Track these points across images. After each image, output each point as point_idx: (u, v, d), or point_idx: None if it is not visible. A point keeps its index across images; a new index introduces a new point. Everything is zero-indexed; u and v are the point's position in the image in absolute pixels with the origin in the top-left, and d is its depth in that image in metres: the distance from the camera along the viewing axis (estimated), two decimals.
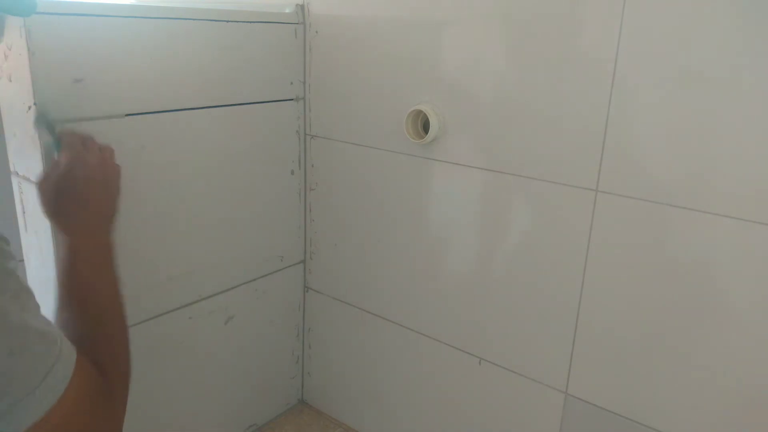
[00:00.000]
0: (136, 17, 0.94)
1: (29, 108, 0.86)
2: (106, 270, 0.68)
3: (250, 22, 1.12)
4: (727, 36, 0.78)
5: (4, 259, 0.45)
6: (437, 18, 1.03)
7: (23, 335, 0.45)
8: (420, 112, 1.06)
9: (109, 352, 0.61)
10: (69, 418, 0.48)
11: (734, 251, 0.82)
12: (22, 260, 1.02)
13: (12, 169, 0.97)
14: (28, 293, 0.47)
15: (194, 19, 1.03)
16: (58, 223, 0.70)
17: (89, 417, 0.51)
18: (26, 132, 0.88)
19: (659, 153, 0.86)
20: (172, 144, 1.04)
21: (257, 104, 1.18)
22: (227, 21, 1.08)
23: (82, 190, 0.71)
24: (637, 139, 0.87)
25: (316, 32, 1.20)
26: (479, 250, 1.08)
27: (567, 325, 1.00)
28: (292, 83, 1.23)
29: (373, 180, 1.20)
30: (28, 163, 0.91)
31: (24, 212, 0.97)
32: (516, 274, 1.04)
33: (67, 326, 0.61)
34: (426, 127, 1.08)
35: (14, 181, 0.97)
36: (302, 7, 1.20)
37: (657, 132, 0.85)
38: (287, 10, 1.20)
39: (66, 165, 0.72)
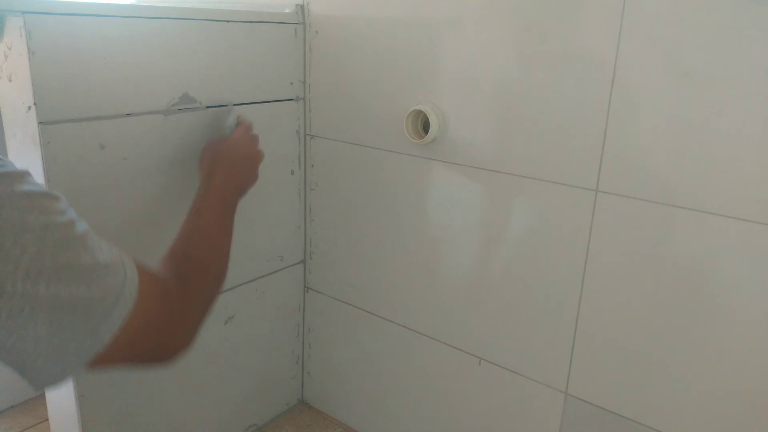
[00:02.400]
0: (136, 17, 0.95)
1: (29, 108, 0.86)
2: (225, 218, 0.88)
3: (250, 22, 1.12)
4: (728, 35, 0.78)
5: (63, 213, 0.54)
6: (437, 18, 1.03)
7: (95, 271, 0.54)
8: (420, 112, 1.06)
9: (201, 270, 0.75)
10: (142, 327, 0.58)
11: (734, 251, 0.82)
12: None
13: None
14: (88, 233, 0.55)
15: (194, 19, 1.03)
16: (207, 174, 0.92)
17: (160, 322, 0.62)
18: (26, 132, 0.88)
19: (659, 153, 0.86)
20: (172, 144, 1.04)
21: (257, 104, 1.18)
22: (227, 21, 1.08)
23: (238, 160, 0.97)
24: (637, 139, 0.87)
25: (316, 32, 1.20)
26: (479, 250, 1.08)
27: (567, 325, 1.00)
28: (292, 83, 1.23)
29: (373, 180, 1.20)
30: (28, 163, 0.91)
31: None
32: (516, 274, 1.04)
33: (174, 247, 0.77)
34: (426, 127, 1.08)
35: None
36: (302, 7, 1.20)
37: (657, 132, 0.85)
38: (287, 10, 1.20)
39: (236, 139, 1.01)
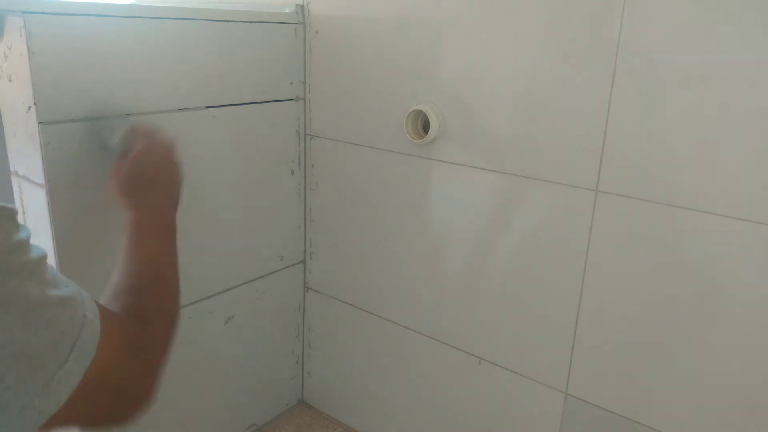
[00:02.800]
0: (136, 17, 0.95)
1: (29, 108, 0.86)
2: (168, 243, 0.76)
3: (250, 22, 1.12)
4: (728, 36, 0.78)
5: (9, 233, 0.44)
6: (437, 18, 1.03)
7: (46, 310, 0.45)
8: (420, 112, 1.06)
9: (157, 307, 0.65)
10: (103, 376, 0.49)
11: (734, 251, 0.82)
12: None
13: (12, 169, 0.97)
14: (41, 261, 0.46)
15: (194, 19, 1.03)
16: (128, 203, 0.79)
17: (123, 370, 0.53)
18: (26, 132, 0.88)
19: (659, 153, 0.86)
20: None
21: (257, 104, 1.18)
22: (227, 21, 1.08)
23: (151, 175, 0.82)
24: (637, 139, 0.87)
25: (316, 32, 1.20)
26: (479, 250, 1.08)
27: (567, 325, 1.00)
28: (292, 83, 1.23)
29: (373, 180, 1.20)
30: (28, 163, 0.91)
31: (24, 212, 0.97)
32: (516, 274, 1.04)
33: (119, 286, 0.66)
34: (426, 127, 1.08)
35: (14, 181, 0.97)
36: (302, 7, 1.20)
37: (657, 132, 0.85)
38: (287, 10, 1.20)
39: (138, 152, 0.83)
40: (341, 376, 1.40)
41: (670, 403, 0.92)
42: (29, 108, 0.86)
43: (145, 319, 0.61)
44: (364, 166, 1.20)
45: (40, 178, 0.89)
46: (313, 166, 1.30)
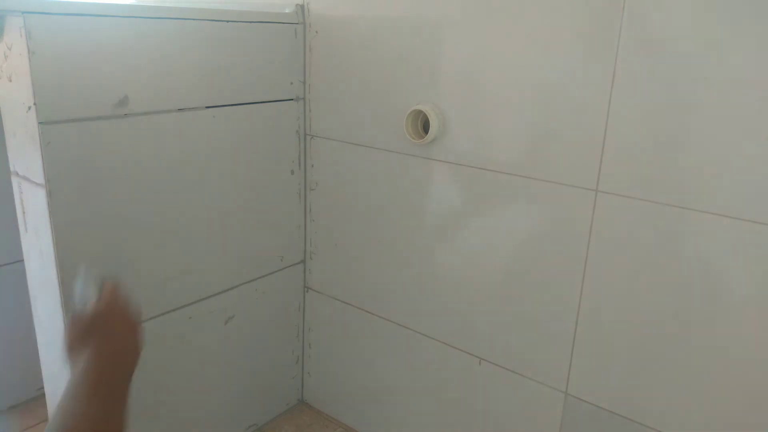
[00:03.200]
0: (136, 17, 0.95)
1: (29, 108, 0.86)
2: (106, 411, 0.67)
3: (250, 22, 1.12)
4: (728, 36, 0.78)
5: None
6: (437, 18, 1.03)
7: None
8: (420, 112, 1.06)
9: None
10: None
11: (734, 251, 0.82)
12: (22, 260, 1.02)
13: (12, 169, 0.97)
14: None
15: (194, 19, 1.03)
16: (76, 361, 0.70)
17: None
18: (26, 132, 0.88)
19: (659, 153, 0.86)
20: (171, 144, 1.04)
21: (257, 104, 1.18)
22: (227, 21, 1.08)
23: (109, 338, 0.72)
24: (637, 139, 0.87)
25: (316, 32, 1.20)
26: (479, 250, 1.08)
27: (567, 325, 1.00)
28: (292, 83, 1.23)
29: (373, 180, 1.20)
30: (28, 163, 0.91)
31: (24, 212, 0.97)
32: (516, 274, 1.04)
33: None
34: (426, 127, 1.08)
35: (14, 181, 0.97)
36: (302, 7, 1.20)
37: (657, 132, 0.85)
38: (287, 10, 1.20)
39: (98, 311, 0.73)
40: (341, 376, 1.40)
41: (669, 403, 0.92)
42: (29, 108, 0.86)
43: None
44: (364, 166, 1.20)
45: (40, 178, 0.89)
46: (313, 166, 1.30)
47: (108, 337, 0.72)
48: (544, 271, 1.01)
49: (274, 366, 1.40)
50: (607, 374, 0.97)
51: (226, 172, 1.15)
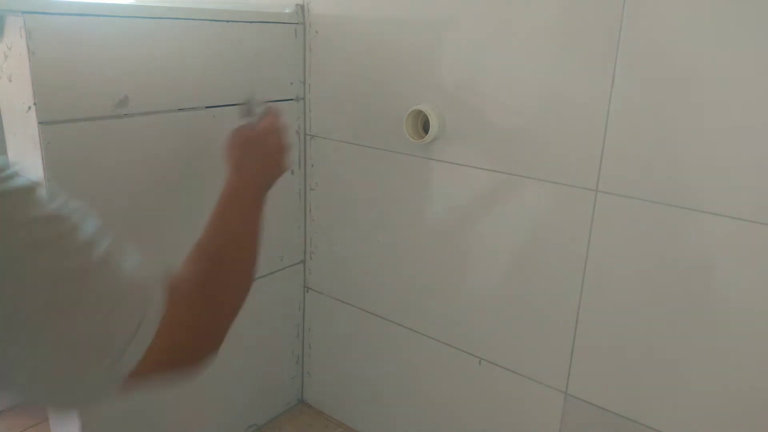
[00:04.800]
0: (136, 17, 0.95)
1: (29, 108, 0.86)
2: (253, 218, 0.80)
3: (250, 22, 1.12)
4: (728, 36, 0.78)
5: (71, 236, 0.48)
6: (437, 18, 1.03)
7: (117, 291, 0.50)
8: (420, 112, 1.06)
9: (230, 280, 0.70)
10: (166, 343, 0.54)
11: (734, 251, 0.82)
12: None
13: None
14: (107, 253, 0.51)
15: (194, 19, 1.03)
16: (234, 165, 0.86)
17: (187, 335, 0.58)
18: (26, 132, 0.88)
19: (659, 153, 0.86)
20: (171, 144, 1.04)
21: None
22: (227, 21, 1.08)
23: (265, 150, 0.90)
24: (636, 139, 0.87)
25: (316, 32, 1.20)
26: (479, 249, 1.08)
27: (567, 325, 1.00)
28: (292, 83, 1.23)
29: (373, 180, 1.20)
30: (28, 162, 0.91)
31: None
32: (516, 274, 1.04)
33: (200, 249, 0.70)
34: (426, 127, 1.08)
35: None
36: (302, 7, 1.20)
37: (657, 132, 0.85)
38: (287, 10, 1.20)
39: (264, 129, 0.91)
40: (341, 376, 1.40)
41: (670, 403, 0.92)
42: (29, 108, 0.86)
43: (215, 284, 0.66)
44: (364, 166, 1.20)
45: (40, 178, 0.89)
46: (313, 166, 1.30)
47: (263, 152, 0.89)
48: (544, 271, 1.01)
49: (274, 366, 1.40)
50: (607, 374, 0.97)
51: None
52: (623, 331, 0.94)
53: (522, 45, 0.95)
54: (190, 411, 1.22)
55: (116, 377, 0.50)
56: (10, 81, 0.88)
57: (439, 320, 1.17)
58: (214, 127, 1.10)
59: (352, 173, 1.23)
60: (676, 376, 0.91)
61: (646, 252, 0.90)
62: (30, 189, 0.46)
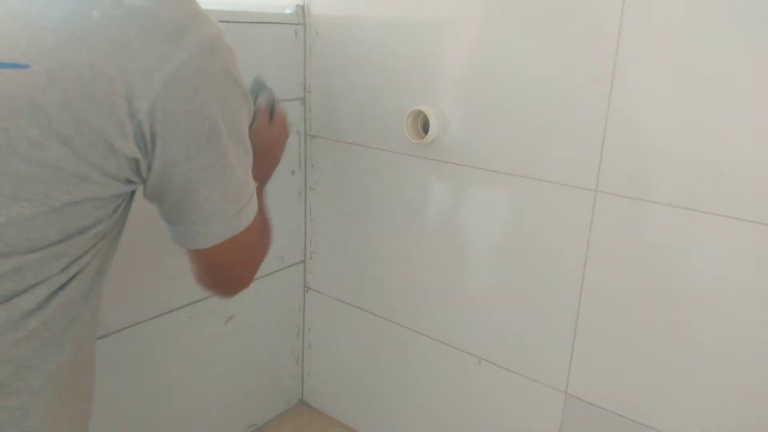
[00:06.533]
0: None
1: None
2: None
3: (251, 22, 1.12)
4: (728, 35, 0.78)
5: (248, 110, 0.66)
6: (437, 18, 1.03)
7: (250, 165, 0.67)
8: (420, 112, 1.06)
9: (266, 230, 0.88)
10: (246, 237, 0.67)
11: (735, 251, 0.83)
12: None
13: None
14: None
15: None
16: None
17: (251, 249, 0.73)
18: None
19: (659, 153, 0.86)
20: None
21: None
22: (227, 21, 1.08)
23: (267, 149, 0.99)
24: (637, 139, 0.87)
25: (317, 33, 1.20)
26: (479, 249, 1.08)
27: (567, 324, 1.00)
28: (292, 84, 1.23)
29: (373, 180, 1.20)
30: None
31: None
32: (516, 274, 1.04)
33: None
34: (426, 127, 1.08)
35: None
36: (302, 7, 1.20)
37: (657, 132, 0.85)
38: (287, 11, 1.20)
39: (275, 124, 1.01)
40: (341, 376, 1.40)
41: (670, 403, 0.92)
42: None
43: (269, 222, 0.86)
44: (364, 166, 1.20)
45: None
46: (313, 166, 1.30)
47: (271, 140, 1.01)
48: (543, 271, 1.01)
49: (274, 366, 1.40)
50: (607, 374, 0.98)
51: None
52: (623, 331, 0.94)
53: (522, 44, 0.95)
54: (190, 411, 1.22)
55: (228, 230, 0.64)
56: None
57: (439, 320, 1.17)
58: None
59: (352, 173, 1.23)
60: (676, 376, 0.91)
61: (646, 252, 0.90)
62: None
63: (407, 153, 1.13)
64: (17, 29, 0.52)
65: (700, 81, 0.81)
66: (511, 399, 1.11)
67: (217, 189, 0.62)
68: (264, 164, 0.98)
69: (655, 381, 0.93)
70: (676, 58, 0.82)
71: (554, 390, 1.04)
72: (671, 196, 0.86)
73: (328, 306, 1.36)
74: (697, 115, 0.82)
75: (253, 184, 0.67)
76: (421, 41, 1.06)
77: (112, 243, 0.64)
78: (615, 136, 0.89)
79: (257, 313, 1.31)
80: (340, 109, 1.21)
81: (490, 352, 1.11)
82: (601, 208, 0.92)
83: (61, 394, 0.60)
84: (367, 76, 1.15)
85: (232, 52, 0.64)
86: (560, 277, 0.99)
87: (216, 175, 0.61)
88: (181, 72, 0.55)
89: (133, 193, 0.63)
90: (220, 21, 1.06)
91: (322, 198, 1.30)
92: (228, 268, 0.71)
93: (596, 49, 0.88)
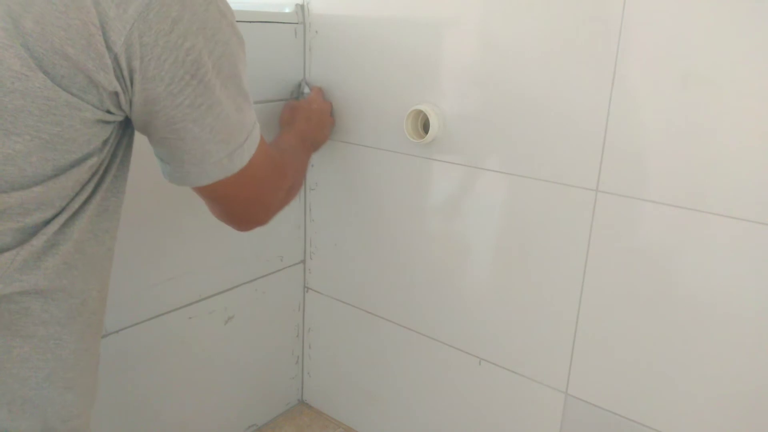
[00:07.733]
0: None
1: None
2: (302, 158, 1.07)
3: (250, 22, 1.12)
4: (728, 35, 0.78)
5: (241, 43, 0.66)
6: (437, 17, 1.03)
7: (246, 99, 0.64)
8: (420, 112, 1.06)
9: (294, 169, 0.93)
10: (252, 173, 0.66)
11: (735, 252, 0.82)
12: None
13: None
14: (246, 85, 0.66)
15: None
16: (287, 122, 1.13)
17: (264, 178, 0.72)
18: None
19: (659, 153, 0.86)
20: None
21: (257, 104, 1.17)
22: None
23: (311, 115, 1.14)
24: (637, 139, 0.87)
25: (316, 32, 1.20)
26: (479, 249, 1.08)
27: (567, 325, 1.00)
28: (291, 83, 1.23)
29: (373, 180, 1.20)
30: None
31: None
32: (516, 273, 1.04)
33: (272, 146, 0.89)
34: (426, 127, 1.08)
35: None
36: (302, 7, 1.20)
37: (657, 132, 0.85)
38: (287, 10, 1.20)
39: (310, 100, 1.17)
40: (341, 376, 1.40)
41: (670, 404, 0.92)
42: None
43: (283, 167, 0.81)
44: (364, 166, 1.20)
45: None
46: (313, 166, 1.30)
47: (306, 116, 1.13)
48: (544, 272, 1.01)
49: (274, 366, 1.40)
50: (607, 374, 0.97)
51: None
52: (624, 331, 0.94)
53: (522, 45, 0.95)
54: (190, 411, 1.22)
55: (223, 170, 0.63)
56: None
57: (438, 320, 1.17)
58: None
59: (352, 173, 1.23)
60: (676, 376, 0.91)
61: (646, 252, 0.90)
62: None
63: (407, 153, 1.13)
64: None
65: (700, 80, 0.81)
66: (511, 399, 1.10)
67: (205, 128, 0.59)
68: (317, 133, 1.12)
69: (655, 381, 0.93)
70: (677, 58, 0.82)
71: (554, 390, 1.04)
72: (672, 196, 0.86)
73: (327, 306, 1.36)
74: (698, 114, 0.82)
75: (251, 123, 0.65)
76: (421, 41, 1.06)
77: (114, 181, 0.63)
78: (616, 136, 0.89)
79: (257, 314, 1.30)
80: (339, 109, 1.21)
81: (491, 353, 1.11)
82: (602, 207, 0.92)
83: (84, 330, 0.63)
84: (367, 76, 1.15)
85: None
86: (560, 277, 0.99)
87: (204, 113, 0.58)
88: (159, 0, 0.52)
89: (126, 129, 0.63)
90: None
91: (322, 198, 1.30)
92: (233, 204, 0.72)
93: (597, 48, 0.88)
